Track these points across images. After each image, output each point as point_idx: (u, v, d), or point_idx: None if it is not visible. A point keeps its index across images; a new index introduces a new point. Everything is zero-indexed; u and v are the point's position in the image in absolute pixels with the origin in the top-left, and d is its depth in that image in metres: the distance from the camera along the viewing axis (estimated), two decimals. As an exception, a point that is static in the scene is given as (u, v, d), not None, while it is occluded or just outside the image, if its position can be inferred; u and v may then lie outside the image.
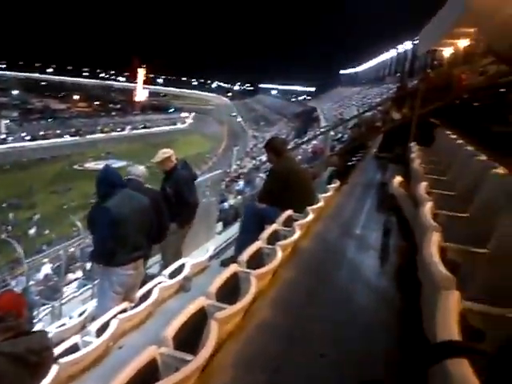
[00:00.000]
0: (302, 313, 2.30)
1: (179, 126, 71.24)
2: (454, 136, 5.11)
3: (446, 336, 0.87)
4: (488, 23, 8.41)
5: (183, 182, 5.08)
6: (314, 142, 15.35)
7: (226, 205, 12.52)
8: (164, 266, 4.75)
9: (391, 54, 39.82)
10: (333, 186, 5.02)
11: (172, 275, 4.07)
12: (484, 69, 8.73)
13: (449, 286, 1.19)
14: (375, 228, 3.89)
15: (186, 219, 5.26)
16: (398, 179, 3.07)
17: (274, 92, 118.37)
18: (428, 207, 2.19)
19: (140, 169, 4.59)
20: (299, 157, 15.40)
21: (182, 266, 4.22)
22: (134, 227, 3.83)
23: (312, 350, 1.96)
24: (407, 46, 34.08)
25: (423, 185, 2.77)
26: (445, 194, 3.34)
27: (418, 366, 0.57)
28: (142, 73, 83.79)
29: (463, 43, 13.61)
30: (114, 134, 59.32)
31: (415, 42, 29.12)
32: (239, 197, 10.48)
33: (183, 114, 78.95)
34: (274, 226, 3.51)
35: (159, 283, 3.88)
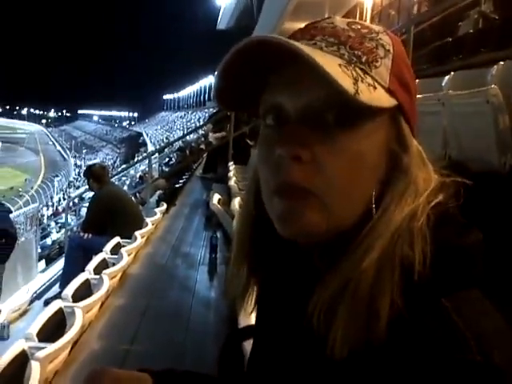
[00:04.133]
0: (135, 335, 2.32)
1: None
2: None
3: (246, 323, 1.02)
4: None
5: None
6: (143, 167, 15.18)
7: (48, 240, 11.46)
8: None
9: (210, 79, 42.05)
10: (160, 208, 5.10)
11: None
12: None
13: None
14: (203, 245, 4.10)
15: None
16: (216, 197, 3.31)
17: (95, 118, 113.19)
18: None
19: None
20: (127, 182, 15.02)
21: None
22: None
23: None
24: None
25: (237, 200, 3.06)
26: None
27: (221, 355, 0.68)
28: None
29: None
30: None
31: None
32: (63, 230, 9.72)
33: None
34: (101, 255, 3.41)
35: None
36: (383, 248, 0.41)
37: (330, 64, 0.40)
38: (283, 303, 0.51)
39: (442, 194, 0.43)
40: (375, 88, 0.42)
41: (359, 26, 0.46)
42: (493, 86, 2.15)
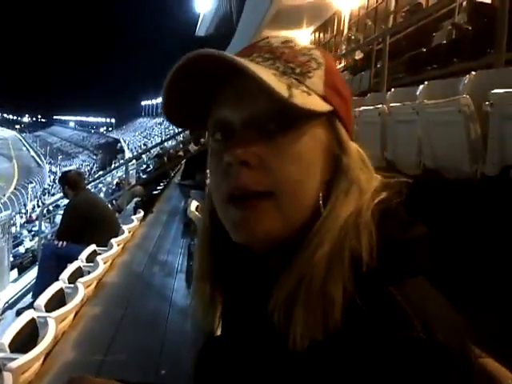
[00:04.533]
0: (110, 345, 2.27)
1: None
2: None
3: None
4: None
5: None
6: (120, 173, 14.97)
7: (21, 249, 11.18)
8: None
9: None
10: (137, 216, 5.04)
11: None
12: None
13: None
14: (181, 252, 4.07)
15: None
16: (194, 204, 3.29)
17: (71, 124, 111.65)
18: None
19: None
20: (103, 189, 14.79)
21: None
22: None
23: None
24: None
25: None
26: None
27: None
28: None
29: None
30: None
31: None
32: (37, 238, 9.49)
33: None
34: (76, 263, 3.34)
35: None
36: (333, 242, 0.43)
37: (265, 73, 0.43)
38: (246, 309, 0.53)
39: (385, 192, 0.47)
40: (310, 94, 0.45)
41: (293, 44, 0.49)
42: (465, 95, 2.20)
